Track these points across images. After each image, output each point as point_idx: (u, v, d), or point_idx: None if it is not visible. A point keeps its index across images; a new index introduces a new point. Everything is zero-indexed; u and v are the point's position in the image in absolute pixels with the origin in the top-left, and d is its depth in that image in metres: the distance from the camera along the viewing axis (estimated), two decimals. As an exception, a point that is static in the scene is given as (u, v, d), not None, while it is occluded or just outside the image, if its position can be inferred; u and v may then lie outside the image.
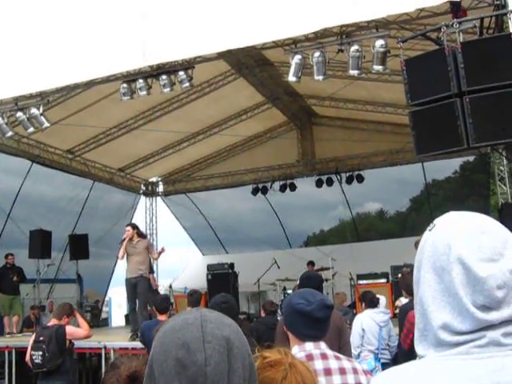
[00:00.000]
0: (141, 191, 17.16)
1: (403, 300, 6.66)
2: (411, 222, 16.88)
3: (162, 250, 9.06)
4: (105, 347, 8.14)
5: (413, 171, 14.61)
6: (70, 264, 13.21)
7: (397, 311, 7.62)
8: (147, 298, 8.59)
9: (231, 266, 12.91)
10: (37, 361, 5.92)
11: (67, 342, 6.04)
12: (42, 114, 8.87)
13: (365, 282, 11.60)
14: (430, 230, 1.10)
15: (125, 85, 8.64)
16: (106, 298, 17.30)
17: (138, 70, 7.96)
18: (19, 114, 8.88)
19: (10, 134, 9.27)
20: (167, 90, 8.56)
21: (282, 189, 15.28)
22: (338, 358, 2.32)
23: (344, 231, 16.86)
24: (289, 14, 6.21)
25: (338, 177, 14.88)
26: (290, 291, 10.43)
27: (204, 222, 17.41)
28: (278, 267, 12.12)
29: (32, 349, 6.00)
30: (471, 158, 14.85)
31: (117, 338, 9.28)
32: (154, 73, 8.49)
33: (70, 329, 6.15)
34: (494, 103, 5.47)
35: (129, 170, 15.89)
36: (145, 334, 5.96)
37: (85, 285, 14.09)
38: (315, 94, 13.65)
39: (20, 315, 11.20)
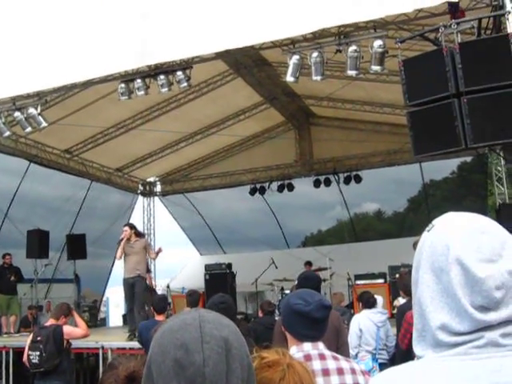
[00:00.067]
0: (138, 191, 17.14)
1: (401, 300, 6.68)
2: (409, 222, 16.86)
3: (160, 250, 9.07)
4: (102, 347, 8.11)
5: (410, 171, 14.61)
6: (68, 264, 13.21)
7: (395, 311, 7.62)
8: (145, 297, 8.58)
9: (229, 266, 12.90)
10: (34, 361, 5.90)
11: (65, 342, 6.02)
12: (39, 114, 8.86)
13: (362, 282, 11.57)
14: (428, 231, 1.10)
15: (123, 85, 8.64)
16: (104, 298, 17.29)
17: (135, 69, 7.97)
18: (17, 113, 8.87)
19: (7, 133, 9.28)
20: (165, 89, 8.57)
21: (280, 189, 15.26)
22: (336, 359, 2.32)
23: (342, 231, 16.85)
24: (287, 14, 6.21)
25: (336, 177, 14.88)
26: (287, 291, 10.39)
27: (202, 222, 17.39)
28: (276, 267, 12.10)
29: (29, 349, 5.98)
30: (469, 159, 14.83)
31: (114, 337, 9.25)
32: (151, 73, 8.49)
33: (67, 328, 6.13)
34: (491, 104, 5.48)
35: (126, 170, 15.87)
36: (142, 334, 5.96)
37: (82, 285, 14.11)
38: (313, 95, 13.63)
39: (17, 315, 11.18)
